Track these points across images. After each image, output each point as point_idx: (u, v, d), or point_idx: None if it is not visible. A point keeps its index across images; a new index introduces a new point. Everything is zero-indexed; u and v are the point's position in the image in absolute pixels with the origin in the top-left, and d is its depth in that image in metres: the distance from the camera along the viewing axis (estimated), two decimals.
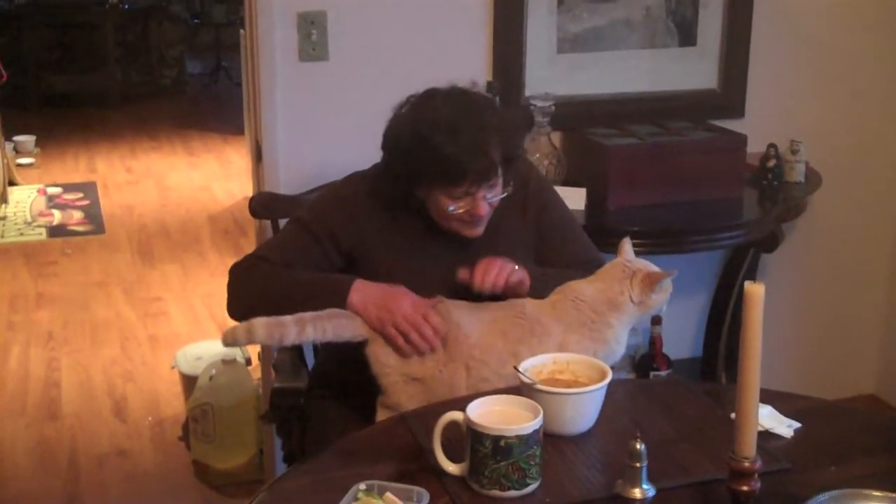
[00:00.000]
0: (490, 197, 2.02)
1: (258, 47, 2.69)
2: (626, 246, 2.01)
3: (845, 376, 3.56)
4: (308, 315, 1.90)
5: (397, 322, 1.90)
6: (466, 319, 1.93)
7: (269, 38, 2.68)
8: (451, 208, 2.00)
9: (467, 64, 2.79)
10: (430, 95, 2.05)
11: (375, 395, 1.96)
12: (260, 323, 1.88)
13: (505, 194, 2.06)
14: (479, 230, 2.06)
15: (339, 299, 1.94)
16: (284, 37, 2.69)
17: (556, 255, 2.18)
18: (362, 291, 1.95)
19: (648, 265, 1.96)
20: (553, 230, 2.20)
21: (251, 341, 1.93)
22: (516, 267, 1.97)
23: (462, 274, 1.96)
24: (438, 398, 1.86)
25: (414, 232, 2.10)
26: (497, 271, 1.94)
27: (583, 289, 1.95)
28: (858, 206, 3.42)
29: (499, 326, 1.92)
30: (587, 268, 2.11)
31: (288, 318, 1.89)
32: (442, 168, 1.96)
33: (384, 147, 2.08)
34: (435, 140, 1.95)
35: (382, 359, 1.92)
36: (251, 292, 2.05)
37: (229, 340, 1.92)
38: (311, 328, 1.89)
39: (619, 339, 1.93)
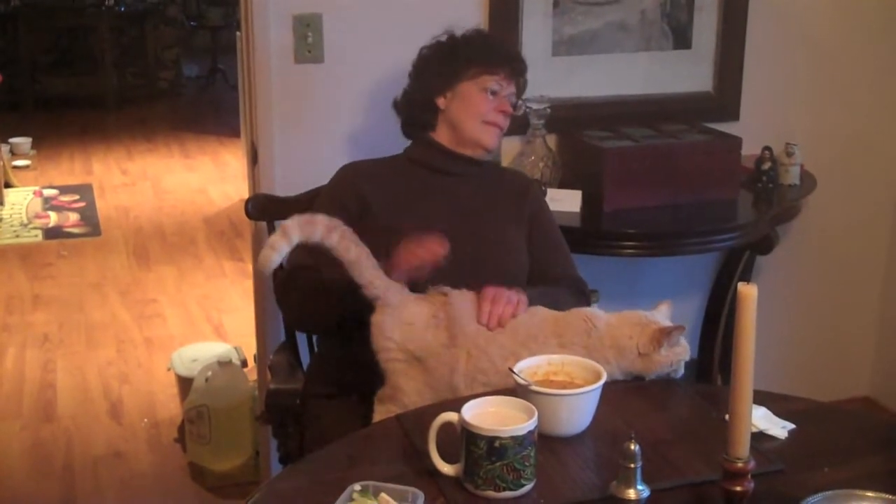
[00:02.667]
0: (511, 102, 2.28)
1: (254, 49, 2.69)
2: (665, 308, 1.97)
3: (840, 379, 3.56)
4: (341, 226, 1.91)
5: (403, 251, 1.99)
6: (475, 309, 1.95)
7: (265, 40, 2.68)
8: (489, 92, 2.23)
9: None
10: None
11: (371, 396, 1.96)
12: (293, 225, 1.88)
13: (520, 112, 2.36)
14: (497, 140, 2.30)
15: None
16: (280, 39, 2.69)
17: (539, 256, 2.28)
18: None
19: (666, 322, 1.91)
20: (542, 233, 2.31)
21: (291, 244, 1.88)
22: (524, 297, 2.00)
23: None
24: (437, 381, 1.87)
25: (417, 186, 2.26)
26: (503, 306, 1.95)
27: (598, 316, 1.94)
28: (853, 208, 3.43)
29: (511, 323, 1.93)
30: (570, 284, 2.25)
31: (321, 219, 1.90)
32: (483, 55, 2.26)
33: (416, 63, 2.33)
34: (474, 35, 2.31)
35: (387, 332, 1.91)
36: (292, 304, 2.19)
37: (270, 254, 1.86)
38: (337, 236, 1.90)
39: (612, 377, 1.88)
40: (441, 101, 2.27)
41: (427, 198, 2.25)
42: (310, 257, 2.17)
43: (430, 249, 1.98)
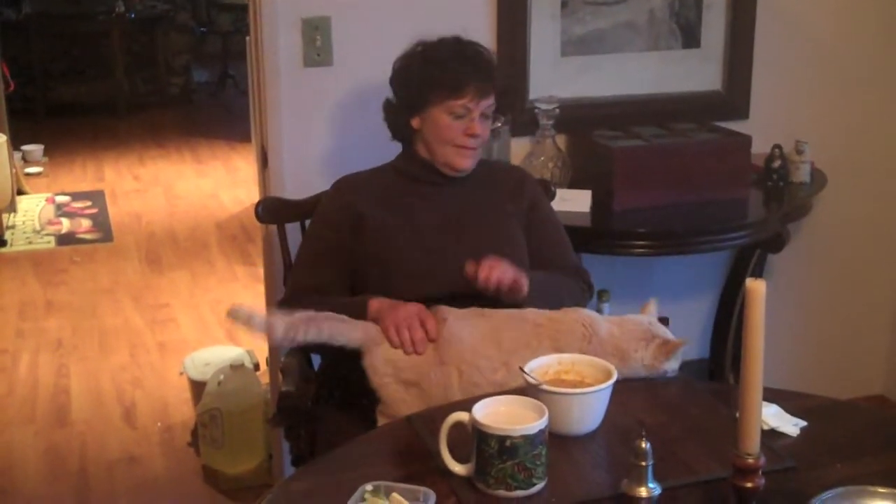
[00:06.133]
0: (483, 123, 2.20)
1: (263, 53, 2.70)
2: (652, 307, 2.01)
3: (854, 377, 3.55)
4: (301, 316, 1.96)
5: (397, 319, 1.98)
6: (462, 324, 1.96)
7: (274, 44, 2.69)
8: (453, 122, 2.17)
9: None
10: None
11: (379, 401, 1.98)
12: (259, 314, 1.99)
13: (498, 125, 2.27)
14: (471, 162, 2.24)
15: (362, 309, 2.06)
16: (289, 43, 2.70)
17: (538, 249, 2.28)
18: (379, 300, 2.07)
19: (667, 332, 1.94)
20: (540, 225, 2.32)
21: (248, 325, 1.99)
22: (523, 275, 2.03)
23: (468, 269, 2.03)
24: (433, 401, 1.89)
25: (410, 195, 2.26)
26: (501, 270, 2.00)
27: (599, 324, 1.95)
28: (864, 205, 3.41)
29: (495, 335, 1.95)
30: (569, 272, 2.25)
31: (279, 318, 1.97)
32: (446, 78, 2.17)
33: (392, 79, 2.29)
34: (441, 54, 2.21)
35: (380, 368, 1.95)
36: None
37: (231, 315, 1.98)
38: (303, 329, 1.95)
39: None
40: (415, 122, 2.25)
41: (420, 207, 2.25)
42: (311, 277, 2.20)
43: (417, 336, 1.97)
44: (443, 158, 2.24)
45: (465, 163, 2.24)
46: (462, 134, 2.20)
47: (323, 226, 2.27)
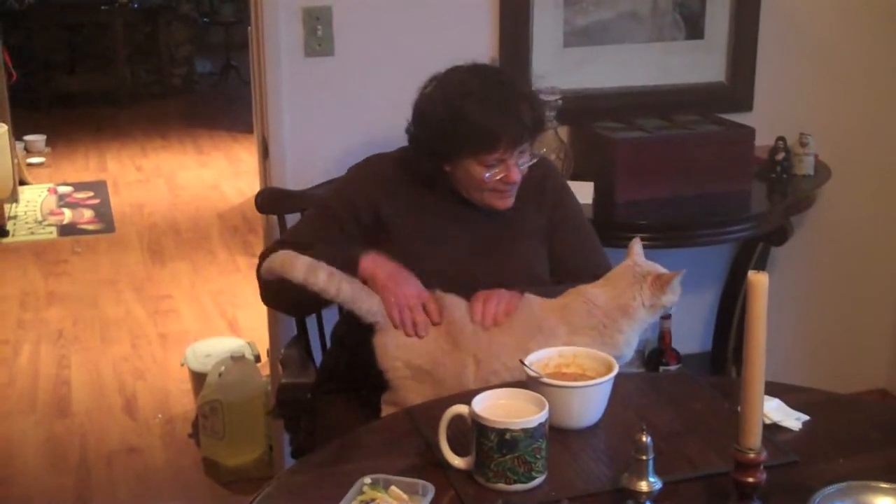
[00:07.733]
0: (521, 163, 2.07)
1: (264, 43, 2.69)
2: (636, 247, 1.98)
3: (856, 371, 3.54)
4: (326, 267, 1.91)
5: (398, 297, 1.93)
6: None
7: (275, 33, 2.67)
8: (487, 175, 2.03)
9: (473, 58, 2.77)
10: (456, 70, 2.11)
11: (382, 391, 1.96)
12: (289, 256, 1.94)
13: (534, 161, 2.11)
14: (510, 201, 2.11)
15: (351, 265, 1.97)
16: (290, 32, 2.69)
17: (565, 254, 2.20)
18: (373, 259, 1.99)
19: (657, 267, 1.95)
20: (565, 227, 2.23)
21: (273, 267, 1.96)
22: (516, 294, 1.97)
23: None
24: (447, 390, 1.85)
25: (435, 210, 2.15)
26: (496, 304, 1.93)
27: (595, 294, 1.94)
28: (868, 198, 3.40)
29: (508, 322, 1.93)
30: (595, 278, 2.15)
31: (302, 260, 1.91)
32: (476, 136, 2.01)
33: (414, 124, 2.12)
34: (467, 108, 2.00)
35: (392, 351, 1.91)
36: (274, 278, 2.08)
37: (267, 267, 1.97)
38: (323, 275, 1.90)
39: (630, 342, 1.93)
40: (447, 167, 2.09)
41: (446, 222, 2.14)
42: (309, 239, 2.12)
43: (420, 318, 1.92)
44: (481, 201, 2.10)
45: (506, 203, 2.11)
46: (498, 182, 2.05)
47: (341, 203, 2.15)
